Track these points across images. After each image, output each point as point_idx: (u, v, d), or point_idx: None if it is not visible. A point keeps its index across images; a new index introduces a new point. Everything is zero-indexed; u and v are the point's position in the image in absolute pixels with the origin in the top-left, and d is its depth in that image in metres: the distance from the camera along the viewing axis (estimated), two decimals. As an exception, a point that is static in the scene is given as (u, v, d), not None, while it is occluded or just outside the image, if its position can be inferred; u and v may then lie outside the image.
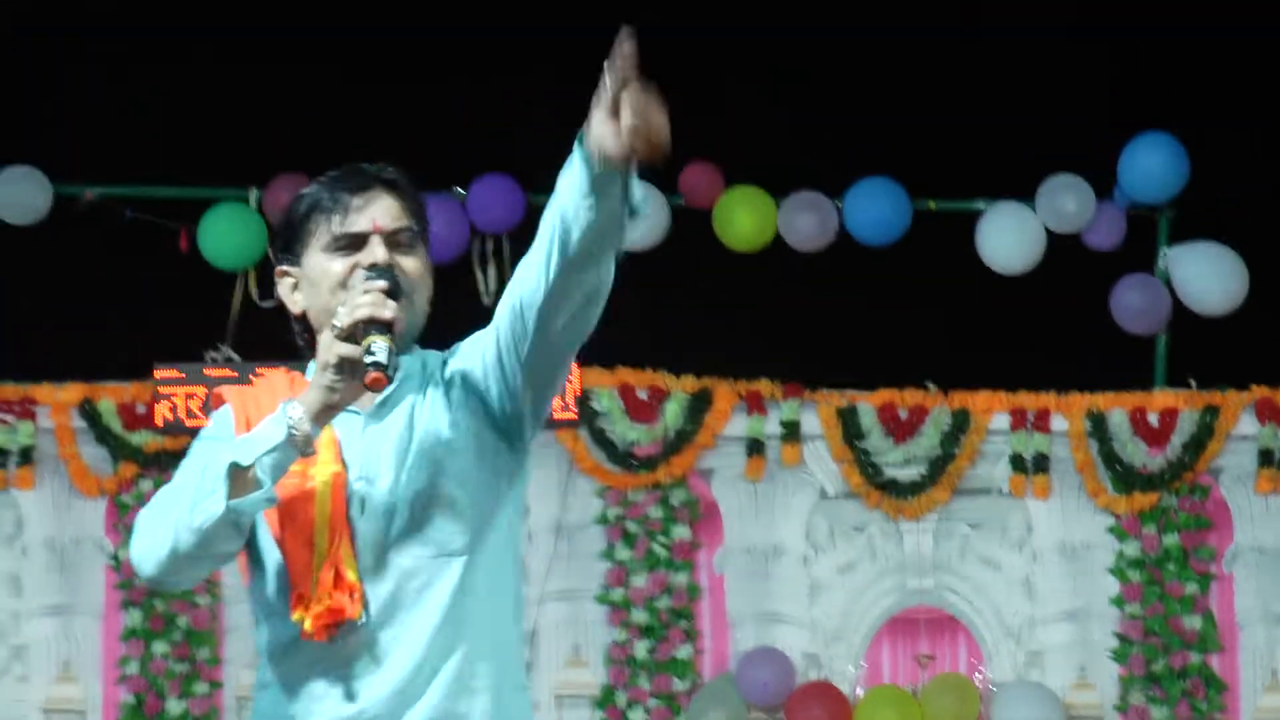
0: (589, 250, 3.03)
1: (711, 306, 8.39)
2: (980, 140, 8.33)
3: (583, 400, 8.43)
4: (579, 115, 2.91)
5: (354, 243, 3.25)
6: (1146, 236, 8.71)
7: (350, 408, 3.18)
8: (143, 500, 8.44)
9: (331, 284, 3.23)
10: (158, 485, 8.33)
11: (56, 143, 8.49)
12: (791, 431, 8.60)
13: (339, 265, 3.24)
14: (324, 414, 3.12)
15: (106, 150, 8.50)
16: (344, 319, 3.10)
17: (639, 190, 3.00)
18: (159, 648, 8.50)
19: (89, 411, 8.55)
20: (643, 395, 8.63)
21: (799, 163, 8.54)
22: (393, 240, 3.25)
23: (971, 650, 8.68)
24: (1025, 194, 8.59)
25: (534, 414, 3.24)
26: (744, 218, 8.59)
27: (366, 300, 3.12)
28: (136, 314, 8.37)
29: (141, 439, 8.52)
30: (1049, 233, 8.59)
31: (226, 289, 8.54)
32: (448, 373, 3.28)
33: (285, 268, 3.31)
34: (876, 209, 8.54)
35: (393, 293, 3.15)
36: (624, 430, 8.60)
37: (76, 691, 8.57)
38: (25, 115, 8.44)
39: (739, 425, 8.63)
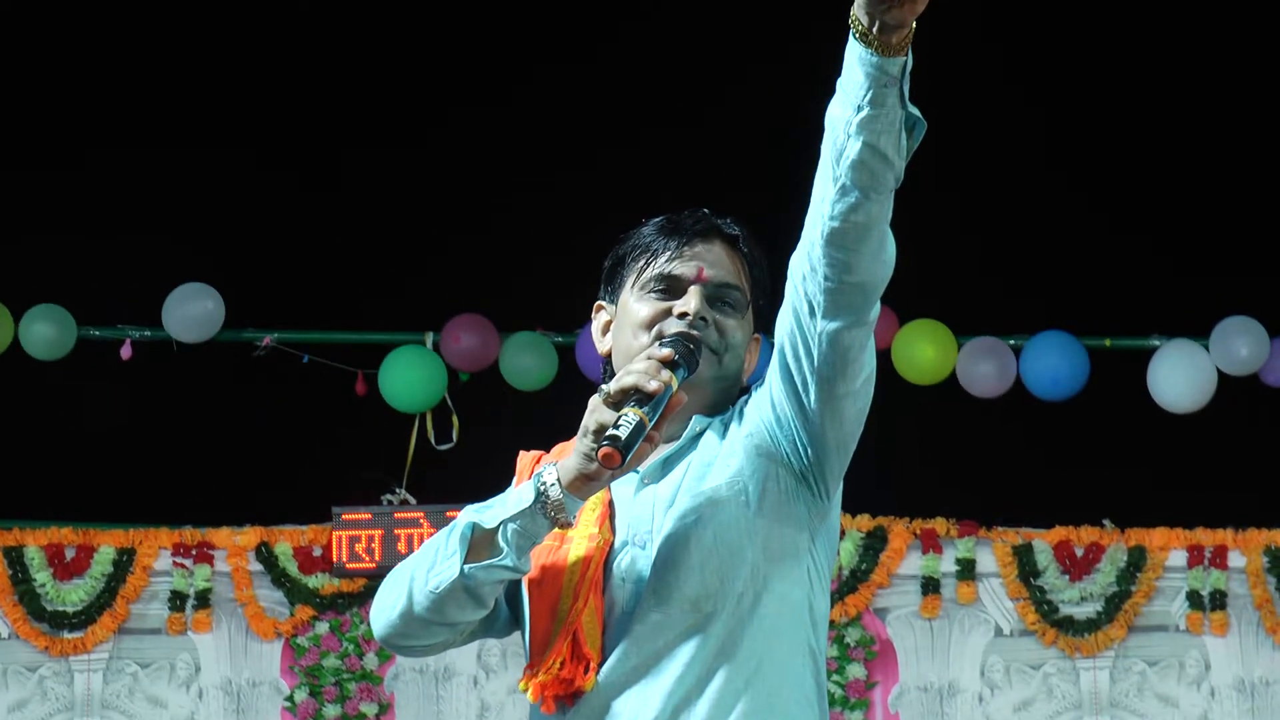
0: (865, 180, 2.73)
1: (886, 445, 8.39)
2: (1155, 279, 8.36)
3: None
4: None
5: (671, 287, 2.99)
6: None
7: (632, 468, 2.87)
8: (319, 643, 8.51)
9: (635, 325, 2.98)
10: (334, 628, 8.49)
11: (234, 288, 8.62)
12: (967, 569, 8.58)
13: (648, 308, 2.98)
14: (580, 484, 2.81)
15: (284, 297, 8.60)
16: (614, 384, 2.81)
17: (913, 110, 2.71)
18: (333, 790, 8.52)
19: (266, 555, 8.58)
20: (817, 534, 8.61)
21: (973, 304, 8.56)
22: (717, 296, 2.99)
23: (1148, 788, 8.65)
24: (1200, 333, 8.58)
25: (835, 445, 2.94)
26: (925, 350, 8.56)
27: (639, 368, 2.81)
28: (313, 458, 8.44)
29: (318, 582, 8.54)
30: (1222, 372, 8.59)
31: (402, 432, 8.60)
32: (741, 415, 2.99)
33: (601, 303, 3.10)
34: (1054, 364, 8.47)
35: (674, 364, 2.85)
36: (799, 570, 8.58)
37: (252, 835, 8.60)
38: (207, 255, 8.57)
39: (914, 564, 8.62)
